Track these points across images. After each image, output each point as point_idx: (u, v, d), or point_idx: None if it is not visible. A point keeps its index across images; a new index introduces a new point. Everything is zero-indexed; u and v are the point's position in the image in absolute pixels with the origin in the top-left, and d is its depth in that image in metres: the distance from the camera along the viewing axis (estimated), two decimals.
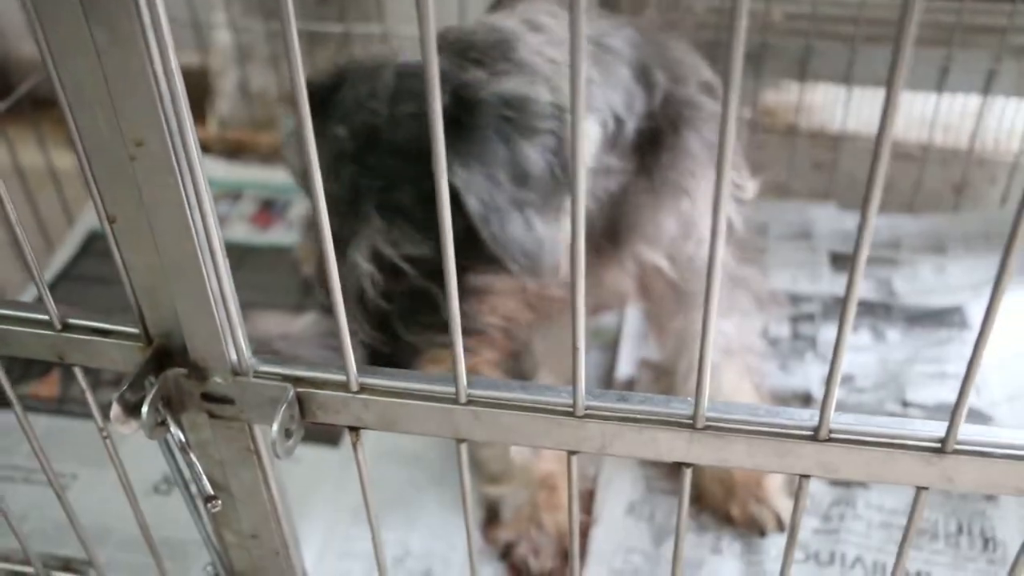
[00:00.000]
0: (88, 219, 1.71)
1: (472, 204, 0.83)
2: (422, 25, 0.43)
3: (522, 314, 0.99)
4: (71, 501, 0.79)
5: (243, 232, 1.68)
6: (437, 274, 0.88)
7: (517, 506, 1.17)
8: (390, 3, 1.81)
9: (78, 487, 1.25)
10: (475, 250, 0.87)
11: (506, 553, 1.14)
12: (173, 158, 0.49)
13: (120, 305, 0.68)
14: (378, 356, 0.92)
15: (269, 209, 1.73)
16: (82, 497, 1.21)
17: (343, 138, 0.86)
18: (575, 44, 0.42)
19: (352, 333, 0.95)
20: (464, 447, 0.59)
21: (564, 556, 1.13)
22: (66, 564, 1.14)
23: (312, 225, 0.95)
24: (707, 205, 1.05)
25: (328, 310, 0.98)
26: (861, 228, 0.47)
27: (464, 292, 0.91)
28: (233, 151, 1.89)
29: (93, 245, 1.67)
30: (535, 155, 0.85)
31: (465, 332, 0.93)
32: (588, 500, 1.20)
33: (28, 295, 1.52)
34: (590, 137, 0.89)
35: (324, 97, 0.89)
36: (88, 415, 1.35)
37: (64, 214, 1.66)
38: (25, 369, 1.41)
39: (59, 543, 1.17)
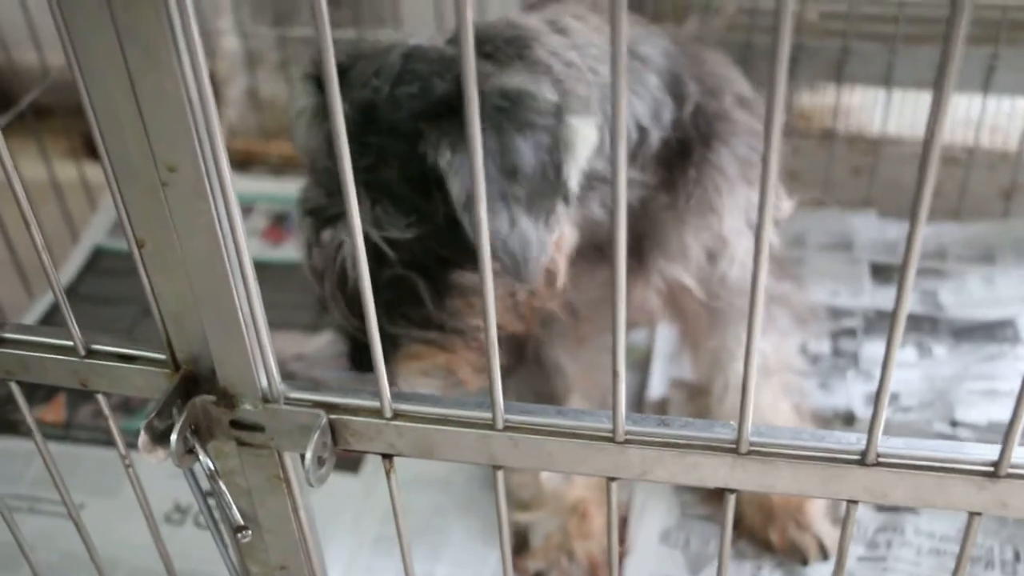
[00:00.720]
0: (93, 235, 1.74)
1: (455, 189, 0.85)
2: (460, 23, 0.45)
3: (509, 321, 1.00)
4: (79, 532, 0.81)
5: (254, 248, 1.70)
6: (420, 265, 0.91)
7: (547, 534, 1.18)
8: (405, 5, 1.84)
9: (85, 517, 1.25)
10: (460, 244, 0.89)
11: None
12: (207, 183, 0.52)
13: (128, 326, 0.70)
14: (360, 348, 0.95)
15: (281, 224, 1.76)
16: (90, 527, 1.23)
17: (346, 115, 0.88)
18: (616, 50, 0.44)
19: (338, 326, 0.99)
20: (502, 474, 0.61)
21: None
22: None
23: (307, 206, 0.96)
24: (737, 222, 1.06)
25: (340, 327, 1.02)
26: (910, 239, 0.48)
27: (448, 288, 0.93)
28: (242, 162, 1.92)
29: (99, 263, 1.70)
30: (527, 150, 0.87)
31: (446, 330, 0.95)
32: (621, 528, 1.21)
33: (31, 316, 1.55)
34: (587, 140, 0.90)
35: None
36: (96, 441, 1.39)
37: (68, 230, 1.69)
38: (30, 393, 1.43)
39: (66, 575, 1.19)
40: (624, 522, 1.22)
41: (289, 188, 1.80)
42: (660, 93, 0.99)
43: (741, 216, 1.07)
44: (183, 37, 0.47)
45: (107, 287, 1.65)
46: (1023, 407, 0.52)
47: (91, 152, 1.82)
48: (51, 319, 1.51)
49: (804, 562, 1.16)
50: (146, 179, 0.53)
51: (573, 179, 0.90)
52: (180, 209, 0.53)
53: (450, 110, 0.86)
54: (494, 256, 0.86)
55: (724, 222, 1.05)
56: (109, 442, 1.38)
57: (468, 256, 0.90)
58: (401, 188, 0.88)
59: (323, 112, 0.93)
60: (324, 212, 0.92)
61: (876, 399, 0.53)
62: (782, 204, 1.12)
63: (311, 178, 0.96)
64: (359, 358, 0.98)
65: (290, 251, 1.71)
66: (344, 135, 0.50)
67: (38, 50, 1.62)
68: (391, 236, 0.89)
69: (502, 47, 0.94)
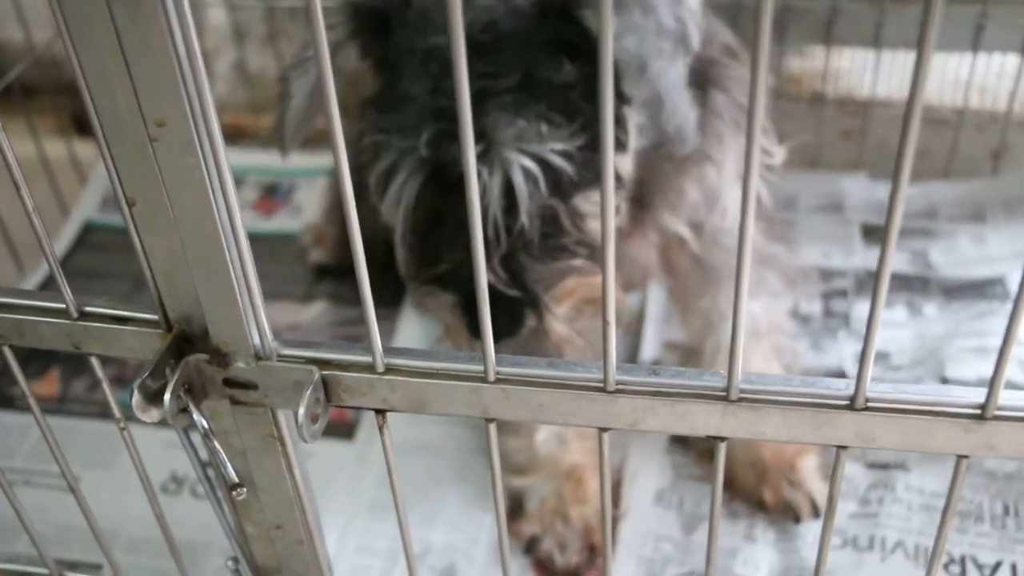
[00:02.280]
0: (83, 211, 1.74)
1: (630, 49, 0.81)
2: None
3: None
4: (76, 504, 0.81)
5: (246, 220, 1.68)
6: (560, 190, 0.85)
7: (542, 498, 1.19)
8: None
9: (82, 489, 1.28)
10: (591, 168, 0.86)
11: (530, 547, 1.16)
12: (196, 138, 0.52)
13: (121, 295, 0.70)
14: (501, 303, 0.86)
15: (272, 195, 1.76)
16: (88, 497, 1.24)
17: (444, 46, 0.80)
18: None
19: (448, 280, 0.87)
20: (494, 426, 0.61)
21: (591, 550, 1.15)
22: (72, 567, 1.16)
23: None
24: (733, 173, 1.06)
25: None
26: (892, 198, 0.49)
27: (581, 214, 0.90)
28: (231, 135, 1.91)
29: (89, 237, 1.70)
30: (663, 6, 0.85)
31: (586, 252, 0.92)
32: (616, 492, 1.22)
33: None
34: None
35: (386, 15, 0.89)
36: (90, 414, 1.39)
37: (58, 206, 1.69)
38: (23, 366, 1.43)
39: (63, 547, 1.19)
40: (618, 485, 1.23)
41: (279, 161, 1.80)
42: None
43: (736, 164, 1.07)
44: None
45: (99, 261, 1.65)
46: (1009, 350, 0.53)
47: (80, 129, 1.82)
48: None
49: (797, 520, 1.16)
50: (135, 135, 0.53)
51: (694, 36, 0.87)
52: (170, 165, 0.54)
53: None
54: (672, 113, 0.84)
55: (722, 170, 1.04)
56: (104, 415, 1.39)
57: (590, 178, 0.87)
58: (557, 94, 0.83)
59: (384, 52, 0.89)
60: (446, 164, 0.84)
61: (864, 343, 0.54)
62: (773, 150, 1.12)
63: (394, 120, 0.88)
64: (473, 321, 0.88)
65: (281, 222, 1.71)
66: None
67: (24, 27, 1.61)
68: (562, 148, 0.84)
69: None
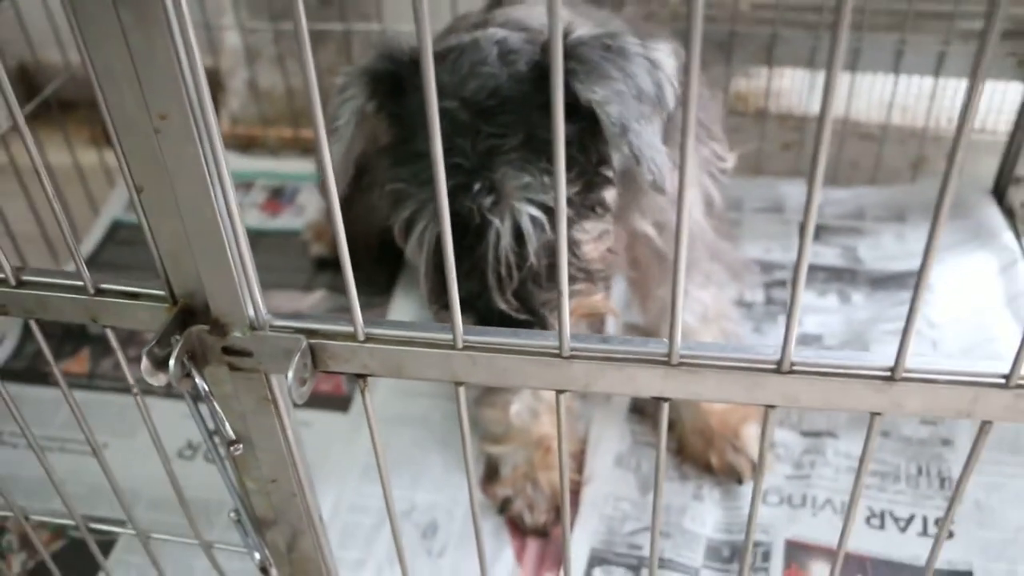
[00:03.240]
0: (111, 211, 1.73)
1: (614, 114, 0.83)
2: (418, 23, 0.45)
3: (614, 259, 0.99)
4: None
5: (255, 219, 1.70)
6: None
7: (515, 464, 1.19)
8: (387, 3, 1.83)
9: (108, 455, 1.25)
10: (602, 186, 0.89)
11: (503, 507, 1.17)
12: (195, 129, 0.51)
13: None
14: (514, 326, 0.87)
15: (278, 197, 1.75)
16: (112, 464, 1.23)
17: (454, 109, 0.85)
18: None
19: (466, 306, 0.88)
20: (463, 390, 0.61)
21: (557, 511, 1.15)
22: (100, 522, 1.16)
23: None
24: (694, 176, 1.07)
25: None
26: (808, 203, 0.48)
27: (575, 242, 0.91)
28: (244, 145, 1.91)
29: (116, 234, 1.69)
30: (643, 73, 0.86)
31: (592, 278, 0.93)
32: (579, 460, 1.21)
33: None
34: (670, 59, 0.89)
35: (402, 74, 0.89)
36: (116, 389, 1.39)
37: (90, 207, 1.68)
38: (58, 348, 1.43)
39: (92, 505, 1.18)
40: (582, 453, 1.23)
41: (285, 167, 1.81)
42: None
43: (697, 168, 1.08)
44: None
45: (124, 255, 1.64)
46: (914, 319, 0.53)
47: (109, 139, 1.81)
48: None
49: (739, 481, 1.17)
50: (141, 128, 0.52)
51: (670, 95, 0.88)
52: (172, 154, 0.53)
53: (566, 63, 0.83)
54: (647, 169, 0.84)
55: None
56: (128, 389, 1.38)
57: (592, 207, 0.89)
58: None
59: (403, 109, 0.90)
60: (461, 208, 0.85)
61: (788, 314, 0.54)
62: (726, 156, 1.13)
63: (406, 168, 0.89)
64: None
65: (286, 221, 1.70)
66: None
67: (60, 48, 1.61)
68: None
69: (542, 30, 0.94)
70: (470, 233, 0.85)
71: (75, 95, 1.67)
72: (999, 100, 1.65)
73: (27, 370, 1.42)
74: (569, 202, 0.88)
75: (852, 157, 1.71)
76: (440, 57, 0.88)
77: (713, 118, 1.15)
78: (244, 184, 1.78)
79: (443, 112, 0.83)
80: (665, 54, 0.89)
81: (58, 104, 1.55)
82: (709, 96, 1.19)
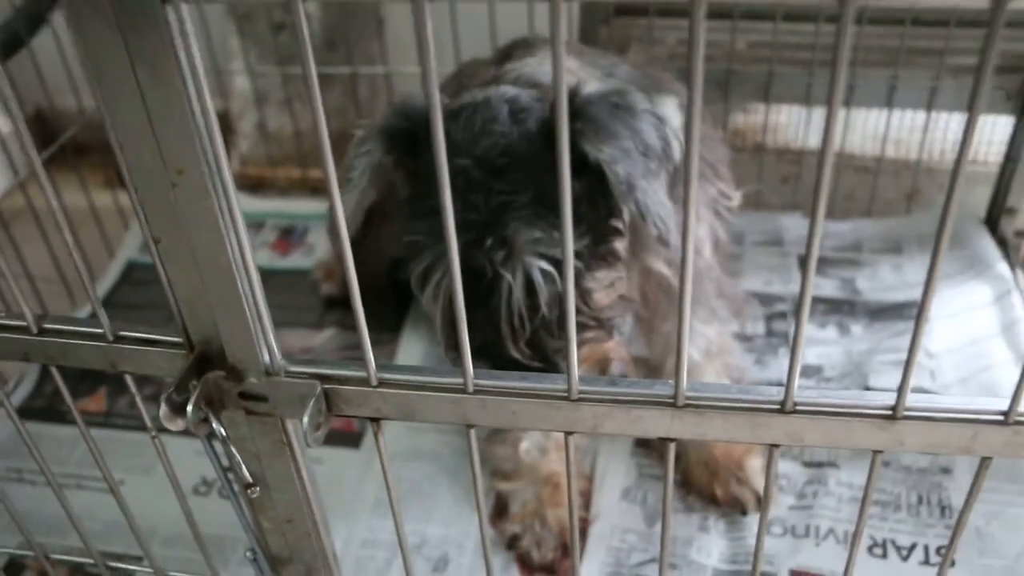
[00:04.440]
0: (126, 252, 1.73)
1: (621, 174, 0.84)
2: (423, 61, 0.45)
3: (624, 304, 1.00)
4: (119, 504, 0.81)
5: (265, 258, 1.70)
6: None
7: (524, 501, 1.18)
8: (392, 47, 1.85)
9: (124, 491, 1.24)
10: (609, 239, 0.90)
11: (511, 544, 1.15)
12: (209, 184, 0.52)
13: (159, 324, 0.70)
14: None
15: (288, 236, 1.76)
16: (128, 501, 1.23)
17: (467, 167, 0.86)
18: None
19: (480, 353, 0.89)
20: (474, 432, 0.61)
21: (564, 549, 1.14)
22: (117, 559, 1.16)
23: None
24: (703, 213, 1.08)
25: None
26: (812, 227, 0.49)
27: (585, 292, 0.92)
28: (254, 186, 1.92)
29: (131, 275, 1.69)
30: (650, 129, 0.87)
31: (603, 326, 0.94)
32: (587, 497, 1.20)
33: None
34: (676, 113, 0.91)
35: (418, 132, 0.90)
36: (132, 427, 1.39)
37: (105, 248, 1.69)
38: (75, 387, 1.43)
39: (108, 541, 1.19)
40: (589, 492, 1.21)
41: (294, 207, 1.82)
42: None
43: (705, 207, 1.08)
44: (185, 57, 0.48)
45: (139, 295, 1.64)
46: (913, 360, 0.53)
47: (123, 182, 1.82)
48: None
49: (744, 513, 1.16)
50: (159, 182, 0.53)
51: (676, 149, 0.89)
52: (188, 207, 0.54)
53: (575, 121, 0.84)
54: (653, 224, 0.86)
55: (696, 213, 1.06)
56: (144, 427, 1.38)
57: (603, 257, 0.91)
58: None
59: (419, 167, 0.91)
60: (473, 262, 0.86)
61: (791, 354, 0.54)
62: (732, 194, 1.13)
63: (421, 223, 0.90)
64: None
65: (296, 260, 1.71)
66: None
67: (75, 95, 1.62)
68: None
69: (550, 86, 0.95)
70: (484, 285, 0.86)
71: (89, 139, 1.69)
72: (989, 132, 1.66)
73: (46, 409, 1.42)
74: (579, 255, 0.89)
75: (848, 190, 1.71)
76: (453, 115, 0.89)
77: (719, 158, 1.16)
78: (255, 224, 1.78)
79: (457, 169, 0.86)
80: (672, 109, 0.90)
81: (73, 148, 1.56)
82: (715, 137, 1.20)
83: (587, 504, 1.19)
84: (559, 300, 0.88)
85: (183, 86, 0.48)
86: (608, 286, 0.94)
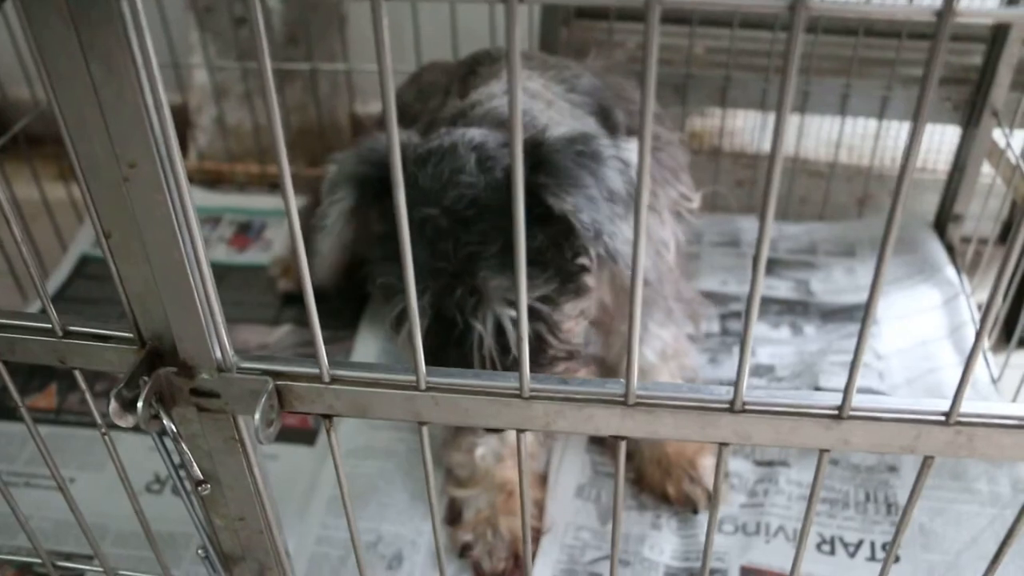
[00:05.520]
0: (79, 246, 1.71)
1: (586, 222, 0.86)
2: (382, 70, 0.45)
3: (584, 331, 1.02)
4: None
5: (222, 253, 1.69)
6: (540, 316, 0.91)
7: (478, 509, 1.17)
8: (353, 44, 1.84)
9: (75, 489, 1.23)
10: (575, 281, 0.92)
11: (463, 552, 1.15)
12: (162, 178, 0.51)
13: (112, 319, 0.69)
14: None
15: (245, 232, 1.74)
16: (79, 498, 1.21)
17: (436, 216, 0.87)
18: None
19: None
20: (426, 430, 0.61)
21: (516, 558, 1.14)
22: (67, 558, 1.14)
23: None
24: (666, 217, 1.09)
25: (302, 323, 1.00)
26: (760, 238, 0.50)
27: (554, 326, 0.94)
28: (212, 181, 1.90)
29: (84, 269, 1.66)
30: (615, 175, 0.88)
31: (574, 357, 0.96)
32: (540, 510, 1.20)
33: None
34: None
35: (385, 179, 0.90)
36: (83, 424, 1.37)
37: (57, 242, 1.66)
38: (25, 383, 1.41)
39: (59, 540, 1.17)
40: (543, 503, 1.21)
41: (252, 202, 1.80)
42: (597, 129, 1.02)
43: (667, 211, 1.09)
44: (138, 49, 0.47)
45: (92, 289, 1.62)
46: (859, 362, 0.54)
47: (75, 175, 1.79)
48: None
49: (695, 511, 1.17)
50: (110, 176, 0.52)
51: None
52: (140, 201, 0.53)
53: (538, 167, 0.86)
54: (624, 267, 0.88)
55: (660, 216, 1.07)
56: (96, 424, 1.36)
57: (572, 292, 0.93)
58: (537, 257, 0.88)
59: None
60: (444, 309, 0.88)
61: (740, 355, 0.55)
62: (693, 196, 1.15)
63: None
64: None
65: (253, 256, 1.69)
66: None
67: (29, 85, 1.60)
68: (540, 294, 0.90)
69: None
70: (456, 331, 0.89)
71: (42, 130, 1.65)
72: (937, 141, 1.70)
73: None
74: (548, 299, 0.91)
75: (802, 193, 1.74)
76: (421, 161, 0.89)
77: (680, 162, 1.17)
78: (211, 219, 1.76)
79: (425, 218, 0.87)
80: (636, 153, 0.91)
81: (26, 139, 1.53)
82: (674, 140, 1.21)
83: (540, 514, 1.19)
84: (529, 341, 0.89)
85: (137, 79, 0.48)
86: (577, 316, 0.95)
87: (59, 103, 0.50)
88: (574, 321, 0.96)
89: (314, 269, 0.95)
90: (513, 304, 0.88)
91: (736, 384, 0.57)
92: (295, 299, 1.55)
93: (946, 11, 0.41)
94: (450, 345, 0.89)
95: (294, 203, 0.52)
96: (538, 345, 0.93)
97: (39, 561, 0.86)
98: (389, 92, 0.46)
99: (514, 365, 0.91)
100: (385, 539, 1.16)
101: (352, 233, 0.94)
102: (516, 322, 0.88)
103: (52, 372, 1.42)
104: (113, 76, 0.48)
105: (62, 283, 1.63)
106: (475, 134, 0.93)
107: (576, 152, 0.88)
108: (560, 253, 0.92)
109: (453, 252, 0.86)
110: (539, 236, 0.88)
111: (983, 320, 0.53)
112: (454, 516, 1.19)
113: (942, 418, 0.56)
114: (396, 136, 0.48)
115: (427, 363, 0.90)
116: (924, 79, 0.43)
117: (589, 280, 0.96)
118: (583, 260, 0.94)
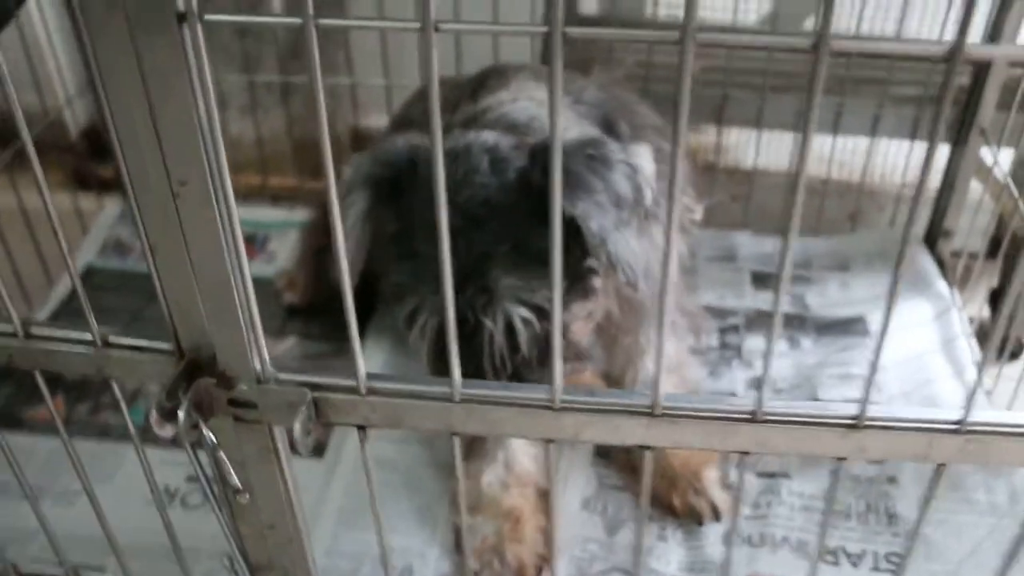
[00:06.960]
0: (84, 256, 1.71)
1: (594, 229, 0.87)
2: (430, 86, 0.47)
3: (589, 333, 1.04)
4: (77, 515, 0.80)
5: None
6: (548, 316, 0.92)
7: (484, 536, 1.16)
8: (357, 58, 1.86)
9: (83, 501, 1.24)
10: (585, 284, 0.94)
11: None
12: (212, 195, 0.53)
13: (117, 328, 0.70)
14: None
15: (251, 244, 1.74)
16: (87, 511, 1.21)
17: (450, 215, 0.87)
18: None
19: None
20: (457, 439, 0.63)
21: None
22: (75, 571, 1.14)
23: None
24: (673, 228, 1.11)
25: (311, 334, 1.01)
26: (782, 253, 0.52)
27: (568, 321, 0.96)
28: None
29: (90, 279, 1.67)
30: (623, 180, 0.90)
31: (581, 357, 0.97)
32: (547, 535, 1.17)
33: None
34: (648, 162, 0.94)
35: (401, 178, 0.93)
36: (90, 436, 1.37)
37: (60, 252, 1.66)
38: (29, 394, 1.41)
39: (68, 553, 1.17)
40: (550, 532, 1.20)
41: (255, 214, 1.81)
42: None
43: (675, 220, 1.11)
44: (196, 73, 0.49)
45: (97, 299, 1.60)
46: (874, 374, 0.57)
47: (81, 184, 1.80)
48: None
49: (700, 523, 1.18)
50: (160, 192, 0.54)
51: (648, 196, 0.93)
52: (189, 217, 0.55)
53: (547, 174, 0.88)
54: (623, 273, 0.90)
55: (660, 229, 1.09)
56: (102, 435, 1.37)
57: (580, 293, 0.95)
58: (543, 255, 0.89)
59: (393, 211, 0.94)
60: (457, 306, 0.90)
61: (764, 368, 0.57)
62: (695, 207, 1.17)
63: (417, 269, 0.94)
64: None
65: (257, 268, 1.70)
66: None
67: (38, 93, 1.60)
68: (548, 295, 0.91)
69: (525, 128, 0.99)
70: (466, 329, 0.90)
71: (48, 139, 1.66)
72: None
73: (1, 415, 1.40)
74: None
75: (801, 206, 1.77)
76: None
77: (684, 177, 1.19)
78: None
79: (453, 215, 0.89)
80: (645, 158, 0.93)
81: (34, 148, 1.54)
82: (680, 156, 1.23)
83: (547, 541, 1.18)
84: (537, 341, 0.92)
85: (193, 99, 0.50)
86: (585, 317, 0.97)
87: (114, 122, 0.52)
88: (582, 322, 0.98)
89: (331, 274, 0.98)
90: (523, 303, 0.90)
91: (759, 395, 0.59)
92: (299, 312, 1.56)
93: (957, 51, 0.44)
94: (460, 343, 0.90)
95: (339, 213, 0.54)
96: (546, 344, 0.95)
97: (59, 574, 0.86)
98: (434, 94, 0.49)
99: (523, 364, 0.93)
100: (395, 552, 1.17)
101: (369, 235, 0.96)
102: (526, 321, 0.90)
103: (59, 382, 1.42)
104: (171, 99, 0.50)
105: (67, 293, 1.63)
106: (488, 136, 0.95)
107: (587, 156, 0.90)
108: (570, 253, 0.93)
109: (465, 251, 0.88)
110: (540, 239, 0.90)
111: (990, 333, 0.56)
112: (460, 543, 1.18)
113: (955, 427, 0.58)
114: (439, 134, 0.50)
115: (437, 361, 0.92)
116: (938, 101, 0.46)
117: (597, 282, 0.98)
118: (591, 262, 0.96)
